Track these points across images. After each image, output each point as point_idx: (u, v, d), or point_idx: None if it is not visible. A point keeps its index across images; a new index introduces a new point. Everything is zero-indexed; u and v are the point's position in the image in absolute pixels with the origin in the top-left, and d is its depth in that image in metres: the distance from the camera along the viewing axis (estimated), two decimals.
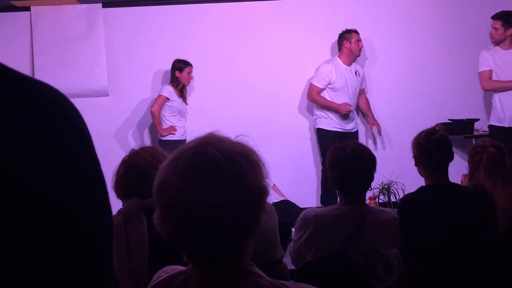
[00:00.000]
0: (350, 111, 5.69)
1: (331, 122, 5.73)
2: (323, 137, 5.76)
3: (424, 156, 2.74)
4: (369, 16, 6.11)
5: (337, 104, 5.68)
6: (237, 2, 6.12)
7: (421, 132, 2.84)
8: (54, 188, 0.62)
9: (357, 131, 5.89)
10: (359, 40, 5.74)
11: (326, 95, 5.76)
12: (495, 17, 5.37)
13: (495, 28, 5.37)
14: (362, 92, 5.95)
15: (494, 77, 5.42)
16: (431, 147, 2.72)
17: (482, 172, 2.77)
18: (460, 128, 5.73)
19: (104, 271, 0.68)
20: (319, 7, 6.12)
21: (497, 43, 5.43)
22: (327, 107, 5.74)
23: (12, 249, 0.58)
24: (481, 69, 5.47)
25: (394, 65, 6.07)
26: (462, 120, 5.89)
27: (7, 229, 0.58)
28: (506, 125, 5.31)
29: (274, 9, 6.12)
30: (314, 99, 5.79)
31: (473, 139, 5.36)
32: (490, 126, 5.45)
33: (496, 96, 5.43)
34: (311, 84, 5.80)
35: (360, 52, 5.79)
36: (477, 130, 5.83)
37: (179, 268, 1.32)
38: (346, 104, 5.66)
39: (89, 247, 0.65)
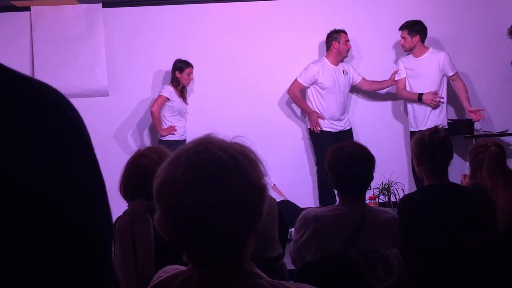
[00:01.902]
0: (317, 125, 5.72)
1: (320, 122, 5.76)
2: (315, 137, 5.82)
3: (426, 155, 2.73)
4: (369, 16, 6.11)
5: (311, 110, 5.76)
6: (237, 2, 6.12)
7: (423, 131, 2.83)
8: (54, 188, 0.62)
9: (350, 129, 5.91)
10: (347, 41, 5.77)
11: (314, 93, 5.79)
12: (401, 28, 5.69)
13: (403, 38, 5.69)
14: (364, 83, 5.96)
15: (408, 85, 5.76)
16: (435, 147, 2.71)
17: (484, 172, 2.75)
18: (460, 128, 5.73)
19: (104, 271, 0.68)
20: (319, 7, 6.11)
21: (408, 51, 5.74)
22: (302, 108, 5.89)
23: (12, 249, 0.58)
24: (397, 78, 5.82)
25: (394, 65, 6.06)
26: (462, 120, 5.89)
27: (7, 229, 0.58)
28: (417, 129, 5.50)
29: (274, 9, 6.12)
30: (294, 94, 5.85)
31: (473, 139, 5.37)
32: (411, 132, 5.62)
33: (409, 104, 5.80)
34: (296, 80, 5.82)
35: (347, 53, 5.81)
36: (477, 130, 5.83)
37: (180, 268, 1.31)
38: (318, 116, 5.72)
39: (89, 247, 0.65)
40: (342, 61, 5.85)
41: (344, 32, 5.76)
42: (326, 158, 2.62)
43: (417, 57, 5.69)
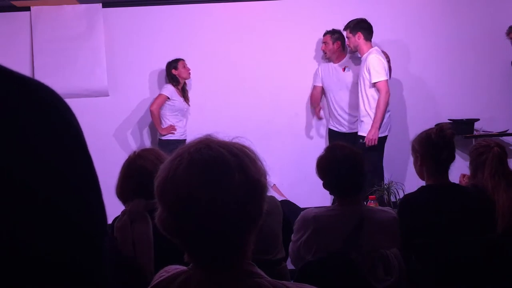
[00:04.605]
0: (317, 117, 6.00)
1: (330, 121, 5.92)
2: (328, 136, 5.93)
3: (432, 154, 2.71)
4: (369, 16, 6.10)
5: (314, 108, 6.01)
6: (237, 2, 6.12)
7: (429, 130, 2.78)
8: (50, 188, 0.62)
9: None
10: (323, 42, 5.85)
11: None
12: (344, 28, 5.52)
13: (347, 38, 5.50)
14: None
15: None
16: (442, 145, 2.70)
17: (486, 172, 2.74)
18: (460, 128, 5.73)
19: (98, 271, 0.68)
20: (319, 7, 6.12)
21: (354, 51, 5.58)
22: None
23: (6, 249, 0.58)
24: None
25: (393, 65, 6.06)
26: (462, 120, 5.89)
27: (1, 229, 0.58)
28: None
29: (274, 9, 6.12)
30: (311, 96, 6.04)
31: (473, 139, 5.37)
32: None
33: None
34: None
35: (325, 55, 5.85)
36: (477, 130, 5.83)
37: (181, 268, 1.31)
38: (316, 113, 6.00)
39: (84, 248, 0.65)
40: (331, 58, 5.82)
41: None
42: (316, 164, 2.60)
43: (361, 57, 5.42)
